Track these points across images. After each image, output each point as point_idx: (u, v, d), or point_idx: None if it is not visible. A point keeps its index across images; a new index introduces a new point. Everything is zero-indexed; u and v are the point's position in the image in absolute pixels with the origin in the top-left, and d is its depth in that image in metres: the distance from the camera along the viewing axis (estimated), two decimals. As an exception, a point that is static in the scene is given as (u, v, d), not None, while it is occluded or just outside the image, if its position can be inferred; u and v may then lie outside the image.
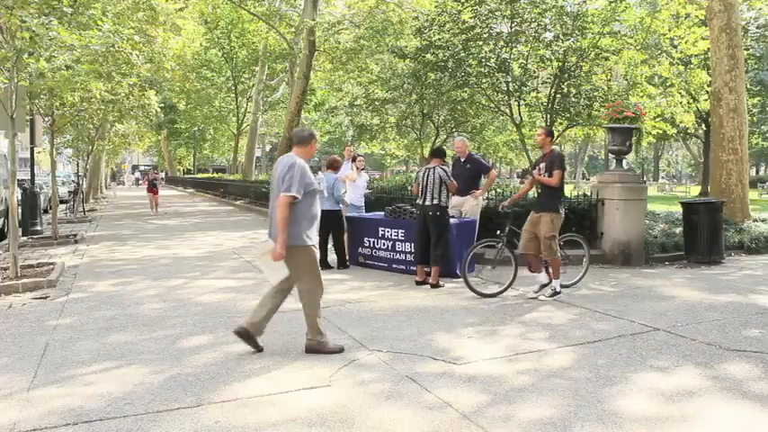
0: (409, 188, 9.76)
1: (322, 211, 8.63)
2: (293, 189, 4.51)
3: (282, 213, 4.47)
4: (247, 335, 4.72)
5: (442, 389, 3.99)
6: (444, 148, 10.25)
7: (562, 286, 6.92)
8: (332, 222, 8.63)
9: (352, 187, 9.42)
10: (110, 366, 4.52)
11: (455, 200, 8.26)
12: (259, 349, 4.77)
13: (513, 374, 4.27)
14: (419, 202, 7.60)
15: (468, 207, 8.46)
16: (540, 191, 6.95)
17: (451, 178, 7.48)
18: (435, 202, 7.37)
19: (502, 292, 6.90)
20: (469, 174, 8.47)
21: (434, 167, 7.49)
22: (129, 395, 3.92)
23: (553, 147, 6.85)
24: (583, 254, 7.71)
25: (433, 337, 5.21)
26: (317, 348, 4.74)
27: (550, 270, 6.81)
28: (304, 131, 4.95)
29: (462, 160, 8.60)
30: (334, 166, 8.99)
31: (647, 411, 3.63)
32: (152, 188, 21.02)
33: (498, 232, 7.13)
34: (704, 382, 4.12)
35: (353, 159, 9.84)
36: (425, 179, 7.48)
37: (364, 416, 3.58)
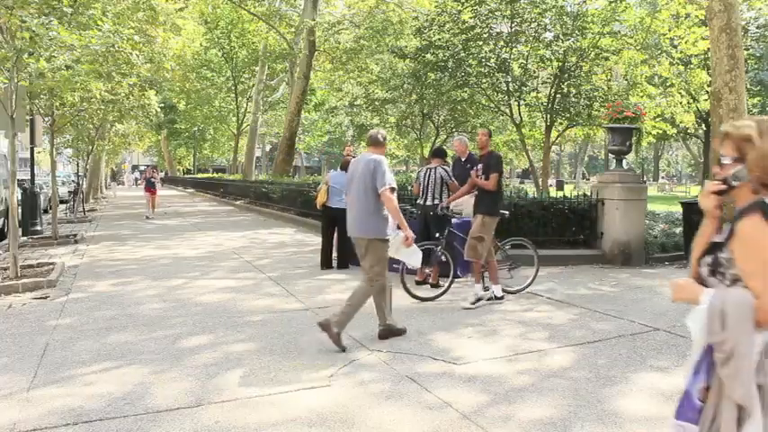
0: (409, 188, 9.76)
1: (333, 208, 8.68)
2: (389, 182, 4.95)
3: (393, 204, 4.96)
4: (388, 333, 5.15)
5: (441, 389, 3.99)
6: (444, 148, 10.23)
7: (508, 292, 6.71)
8: (339, 220, 8.64)
9: None
10: (110, 366, 4.52)
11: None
12: (403, 331, 5.30)
13: (513, 374, 4.27)
14: (420, 202, 7.61)
15: (468, 207, 8.42)
16: (477, 193, 6.54)
17: (453, 178, 7.47)
18: (436, 202, 7.38)
19: (439, 295, 6.66)
20: (468, 173, 8.41)
21: (435, 167, 7.50)
22: (129, 395, 3.92)
23: (492, 149, 6.59)
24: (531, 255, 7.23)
25: (432, 337, 5.21)
26: (388, 333, 5.18)
27: (489, 276, 6.58)
28: (378, 134, 5.40)
29: (463, 160, 8.53)
30: (346, 168, 8.98)
31: (647, 411, 3.63)
32: (149, 187, 19.05)
33: (437, 235, 6.91)
34: (704, 382, 4.12)
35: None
36: (426, 179, 7.49)
37: (364, 416, 3.58)
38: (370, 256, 4.97)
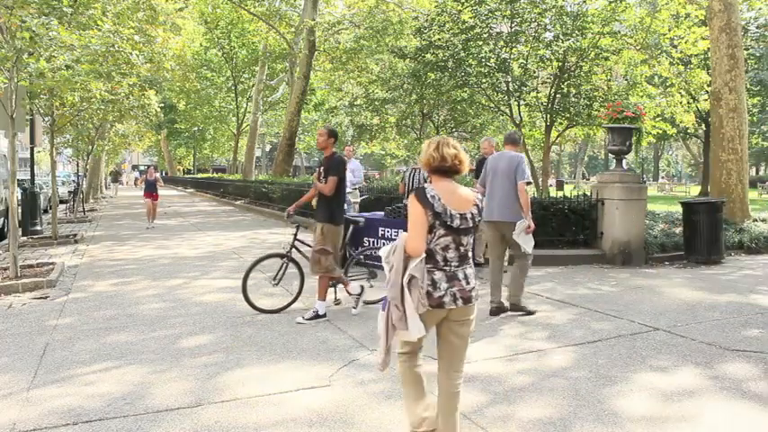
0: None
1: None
2: (527, 177, 5.82)
3: (525, 196, 5.79)
4: (500, 310, 5.89)
5: (441, 389, 3.98)
6: None
7: (369, 303, 6.21)
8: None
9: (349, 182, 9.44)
10: (110, 366, 4.52)
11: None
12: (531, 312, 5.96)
13: (513, 374, 4.27)
14: (406, 202, 7.66)
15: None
16: (318, 199, 6.06)
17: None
18: None
19: (285, 307, 6.17)
20: None
21: (419, 168, 7.57)
22: (129, 395, 3.92)
23: (335, 150, 5.97)
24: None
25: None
26: (519, 307, 5.90)
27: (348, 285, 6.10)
28: (516, 134, 6.33)
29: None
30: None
31: (646, 411, 3.63)
32: (150, 192, 15.40)
33: (282, 246, 6.64)
34: (704, 381, 4.12)
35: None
36: (411, 179, 7.56)
37: (364, 416, 3.58)
38: (522, 236, 5.81)
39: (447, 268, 2.93)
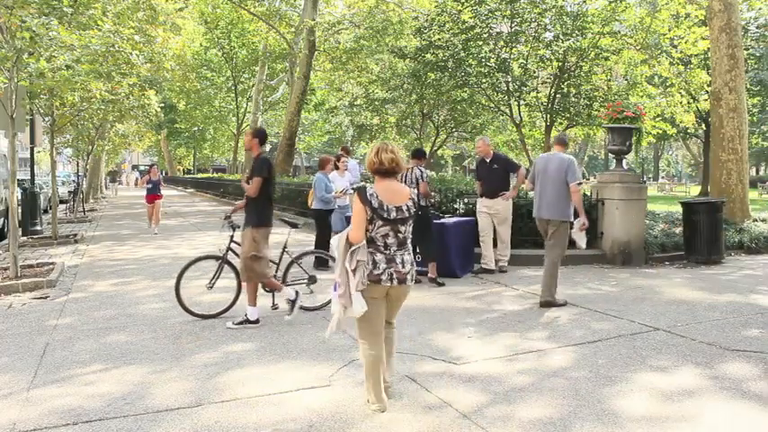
0: None
1: (325, 211, 8.64)
2: (578, 178, 6.22)
3: (578, 195, 6.24)
4: (550, 304, 6.20)
5: (441, 389, 3.99)
6: (424, 149, 10.28)
7: (306, 309, 6.03)
8: (320, 220, 8.77)
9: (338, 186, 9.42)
10: (110, 366, 4.52)
11: (486, 201, 8.24)
12: (564, 303, 6.30)
13: (513, 374, 4.27)
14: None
15: (500, 208, 8.26)
16: (246, 202, 5.96)
17: (425, 178, 7.49)
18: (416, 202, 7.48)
19: (222, 312, 5.92)
20: (498, 174, 8.26)
21: (412, 167, 7.57)
22: (129, 395, 3.92)
23: (262, 151, 5.75)
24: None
25: (432, 336, 5.21)
26: (552, 303, 6.21)
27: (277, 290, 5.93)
28: (565, 136, 6.82)
29: (488, 161, 8.31)
30: (323, 167, 8.94)
31: (646, 411, 3.63)
32: (153, 194, 14.19)
33: (219, 248, 6.50)
34: (704, 381, 4.12)
35: (337, 159, 9.72)
36: (403, 179, 7.55)
37: (364, 416, 3.58)
38: (557, 234, 6.24)
39: (387, 252, 3.54)
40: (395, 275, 3.50)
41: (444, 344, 5.00)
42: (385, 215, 3.50)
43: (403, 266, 3.55)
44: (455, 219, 8.55)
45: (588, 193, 10.00)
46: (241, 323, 5.55)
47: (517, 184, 8.37)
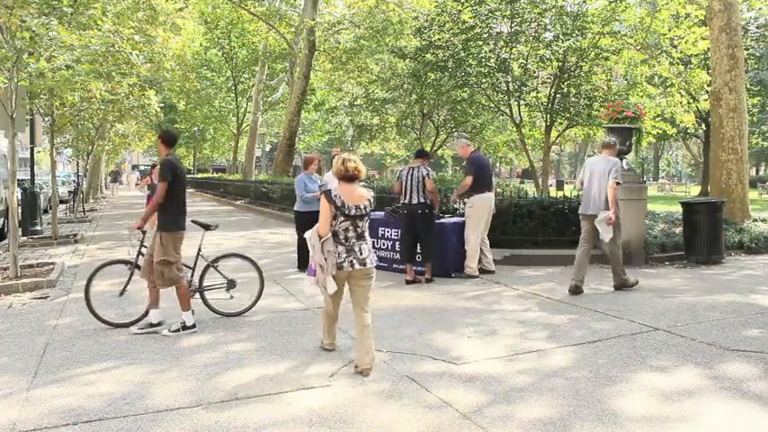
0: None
1: (305, 212, 8.34)
2: (618, 177, 6.78)
3: (614, 193, 6.77)
4: (578, 290, 6.82)
5: (441, 389, 3.99)
6: (426, 149, 10.28)
7: (224, 314, 5.97)
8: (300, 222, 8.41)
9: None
10: (110, 366, 4.52)
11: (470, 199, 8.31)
12: (636, 283, 7.07)
13: (513, 374, 4.27)
14: (404, 201, 7.63)
15: (467, 209, 8.36)
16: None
17: (430, 176, 7.56)
18: (422, 200, 7.49)
19: (135, 321, 5.68)
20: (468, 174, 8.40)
21: (418, 166, 7.59)
22: (129, 395, 3.92)
23: (169, 152, 5.59)
24: None
25: (432, 336, 5.21)
26: (624, 284, 7.02)
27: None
28: (611, 140, 7.35)
29: (465, 163, 8.63)
30: (308, 167, 8.72)
31: (646, 411, 3.63)
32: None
33: (128, 252, 6.29)
34: (704, 381, 4.12)
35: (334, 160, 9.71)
36: (410, 178, 7.54)
37: (364, 416, 3.58)
38: (602, 225, 6.80)
39: (347, 243, 4.36)
40: (354, 261, 4.33)
41: (444, 344, 5.00)
42: (346, 212, 4.31)
43: (361, 254, 4.38)
44: (454, 219, 8.55)
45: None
46: (177, 330, 5.41)
47: (458, 189, 8.32)
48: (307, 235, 4.46)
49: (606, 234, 6.82)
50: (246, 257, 6.36)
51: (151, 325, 5.52)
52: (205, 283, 6.04)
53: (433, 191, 7.60)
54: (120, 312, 6.06)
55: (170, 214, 5.43)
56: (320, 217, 4.32)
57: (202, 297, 5.97)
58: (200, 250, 6.11)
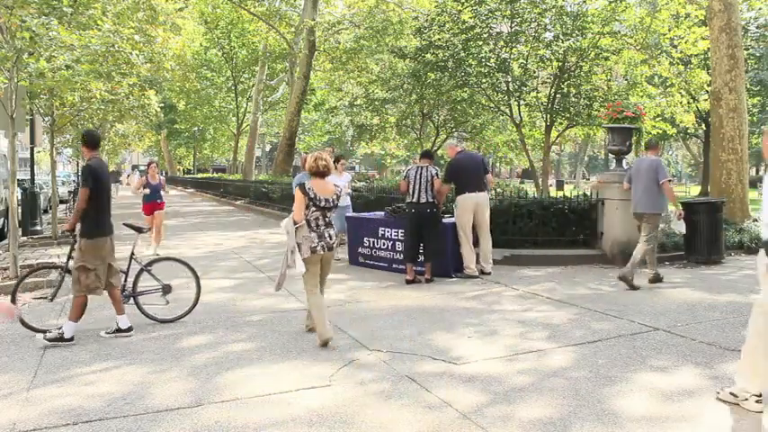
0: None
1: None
2: (668, 175, 7.27)
3: (672, 191, 7.39)
4: (657, 278, 7.45)
5: (441, 389, 3.99)
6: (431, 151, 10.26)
7: (160, 320, 5.74)
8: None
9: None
10: (110, 366, 4.52)
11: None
12: (636, 288, 7.16)
13: (513, 374, 4.27)
14: (412, 200, 7.61)
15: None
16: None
17: (439, 176, 7.65)
18: (431, 200, 7.51)
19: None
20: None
21: (426, 166, 7.61)
22: (129, 395, 3.92)
23: (92, 156, 5.44)
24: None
25: (432, 336, 5.21)
26: (657, 278, 7.48)
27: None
28: (654, 141, 7.95)
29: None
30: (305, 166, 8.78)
31: (646, 411, 3.63)
32: (152, 202, 10.64)
33: (57, 258, 6.24)
34: (704, 381, 4.12)
35: (336, 161, 9.70)
36: (418, 177, 7.52)
37: (364, 416, 3.58)
38: (648, 225, 7.28)
39: (318, 230, 5.03)
40: (325, 245, 5.04)
41: (444, 344, 5.00)
42: (317, 203, 4.99)
43: (330, 239, 5.09)
44: (454, 219, 8.55)
45: (588, 194, 10.00)
46: (113, 333, 5.35)
47: (438, 197, 7.83)
48: (282, 223, 5.03)
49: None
50: (182, 261, 6.11)
51: (119, 330, 5.38)
52: (139, 288, 5.82)
53: (441, 192, 7.68)
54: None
55: (90, 220, 5.28)
56: (295, 205, 4.98)
57: (136, 302, 5.76)
58: (132, 254, 5.95)
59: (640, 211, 7.38)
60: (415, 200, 7.58)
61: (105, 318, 5.99)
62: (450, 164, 8.26)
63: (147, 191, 10.70)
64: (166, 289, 5.90)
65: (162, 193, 10.90)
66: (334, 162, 9.28)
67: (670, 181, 7.28)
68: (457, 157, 8.18)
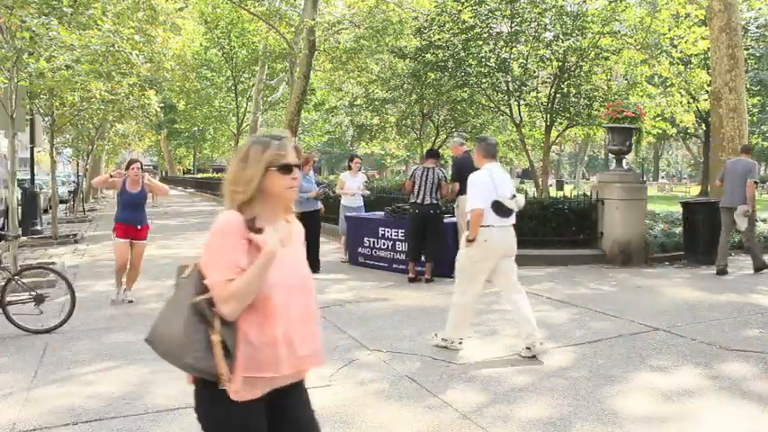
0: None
1: (301, 213, 8.36)
2: (756, 177, 8.26)
3: (752, 190, 8.09)
4: (724, 272, 8.15)
5: (441, 389, 3.99)
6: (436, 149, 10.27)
7: (30, 331, 5.41)
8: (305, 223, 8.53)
9: (349, 188, 9.47)
10: (110, 366, 4.52)
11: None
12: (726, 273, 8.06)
13: (513, 374, 4.27)
14: (416, 200, 7.61)
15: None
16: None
17: (447, 179, 7.68)
18: (435, 201, 7.52)
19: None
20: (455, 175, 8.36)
21: (433, 167, 7.61)
22: (129, 395, 3.92)
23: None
24: None
25: (432, 336, 5.21)
26: (764, 266, 8.24)
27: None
28: (749, 145, 9.02)
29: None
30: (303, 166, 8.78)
31: (646, 411, 3.63)
32: (128, 224, 6.62)
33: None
34: (704, 381, 4.12)
35: (351, 160, 9.87)
36: (425, 178, 7.53)
37: (364, 416, 3.58)
38: (740, 217, 8.05)
39: None
40: None
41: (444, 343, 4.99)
42: None
43: None
44: (454, 219, 8.55)
45: (588, 193, 10.00)
46: None
47: (449, 194, 7.90)
48: None
49: (742, 224, 8.15)
50: (54, 270, 5.83)
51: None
52: (8, 298, 5.51)
53: (447, 193, 7.71)
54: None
55: None
56: None
57: (5, 312, 5.46)
58: (0, 262, 5.75)
59: (729, 205, 8.22)
60: (419, 200, 7.60)
61: (105, 317, 5.99)
62: (459, 161, 8.22)
63: (123, 197, 6.78)
64: (38, 299, 5.63)
65: (150, 201, 7.60)
66: (304, 164, 9.32)
67: (756, 183, 8.25)
68: (464, 156, 8.18)
